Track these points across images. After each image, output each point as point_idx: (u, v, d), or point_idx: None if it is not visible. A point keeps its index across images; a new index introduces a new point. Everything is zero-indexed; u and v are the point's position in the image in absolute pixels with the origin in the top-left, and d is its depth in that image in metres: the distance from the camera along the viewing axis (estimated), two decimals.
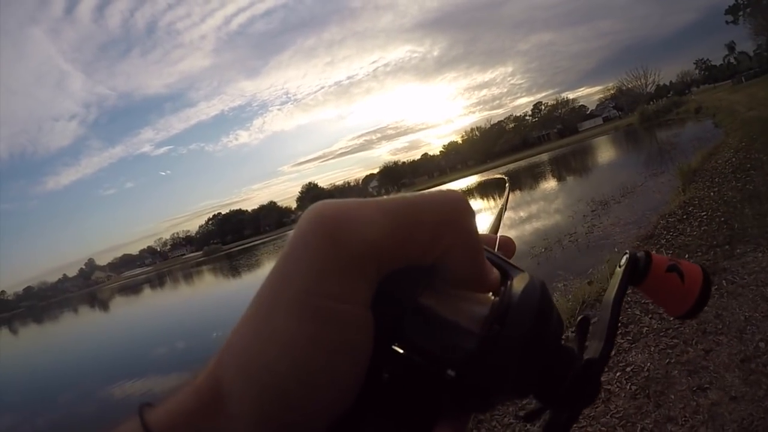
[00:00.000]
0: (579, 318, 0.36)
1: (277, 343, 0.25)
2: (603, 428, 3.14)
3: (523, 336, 0.28)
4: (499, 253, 0.36)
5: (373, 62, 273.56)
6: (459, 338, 0.29)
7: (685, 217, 7.48)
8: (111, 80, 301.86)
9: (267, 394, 0.25)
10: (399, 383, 0.29)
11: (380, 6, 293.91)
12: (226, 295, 24.92)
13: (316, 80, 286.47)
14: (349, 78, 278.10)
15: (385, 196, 0.28)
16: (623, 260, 0.39)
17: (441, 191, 0.29)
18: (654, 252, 0.40)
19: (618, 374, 3.70)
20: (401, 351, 0.29)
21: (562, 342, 0.32)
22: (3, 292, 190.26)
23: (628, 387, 3.49)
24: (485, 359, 0.28)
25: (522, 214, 16.11)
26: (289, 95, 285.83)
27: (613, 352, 0.34)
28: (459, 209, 0.29)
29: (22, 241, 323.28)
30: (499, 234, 0.43)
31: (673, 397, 3.17)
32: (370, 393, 0.28)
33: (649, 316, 4.47)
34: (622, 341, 4.18)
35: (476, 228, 0.29)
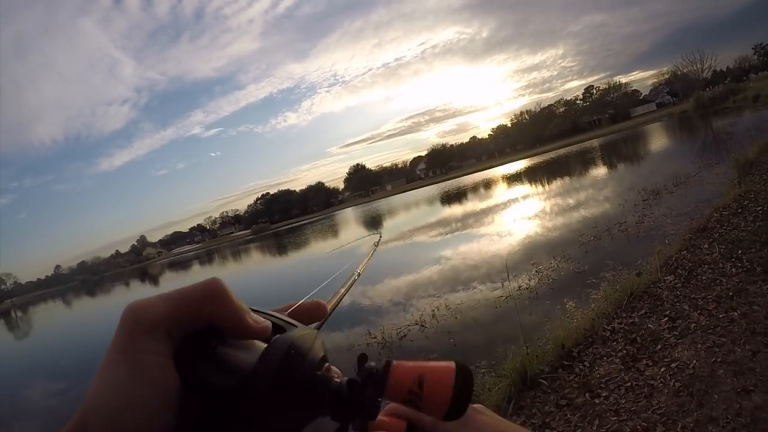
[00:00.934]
0: (359, 355, 0.45)
1: (108, 385, 0.37)
2: (644, 424, 3.15)
3: (271, 370, 0.39)
4: (304, 314, 0.50)
5: (421, 44, 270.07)
6: (230, 378, 0.40)
7: (739, 211, 7.29)
8: (161, 65, 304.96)
9: (108, 425, 0.36)
10: (207, 416, 0.39)
11: None
12: (272, 271, 25.43)
13: (363, 62, 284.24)
14: (396, 60, 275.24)
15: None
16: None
17: (204, 280, 0.43)
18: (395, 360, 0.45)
19: (663, 369, 3.68)
20: (202, 390, 0.40)
21: (319, 373, 0.42)
22: (58, 266, 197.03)
23: (671, 383, 3.47)
24: (243, 392, 0.38)
25: (571, 201, 15.90)
26: (336, 77, 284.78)
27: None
28: (213, 287, 0.42)
29: (77, 219, 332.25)
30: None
31: (716, 397, 3.16)
32: (187, 425, 0.38)
33: (698, 312, 4.41)
34: (669, 336, 4.15)
35: (228, 297, 0.42)
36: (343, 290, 0.67)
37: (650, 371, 3.74)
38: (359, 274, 0.75)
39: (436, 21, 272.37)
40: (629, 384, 3.67)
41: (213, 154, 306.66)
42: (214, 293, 0.42)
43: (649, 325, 4.46)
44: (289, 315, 0.49)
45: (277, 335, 0.43)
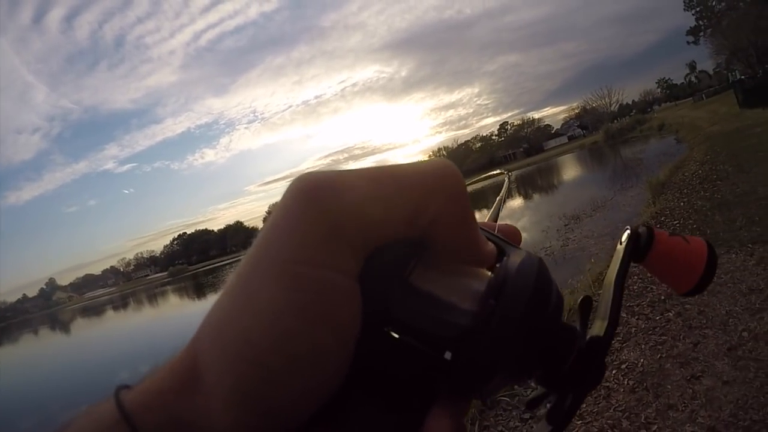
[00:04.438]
0: (581, 298, 0.35)
1: (257, 313, 0.24)
2: (608, 422, 3.25)
3: (520, 311, 0.27)
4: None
5: (341, 82, 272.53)
6: (452, 316, 0.27)
7: (658, 226, 7.65)
8: (76, 94, 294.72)
9: (246, 370, 0.23)
10: (392, 366, 0.27)
11: (349, 26, 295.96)
12: (192, 317, 24.55)
13: (284, 99, 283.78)
14: (316, 97, 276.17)
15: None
16: (624, 236, 0.38)
17: (431, 160, 0.28)
18: (657, 227, 0.38)
19: (614, 372, 3.83)
20: (393, 332, 0.27)
21: (563, 321, 0.31)
22: None
23: (625, 382, 3.62)
24: (480, 336, 0.26)
25: None
26: (256, 114, 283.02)
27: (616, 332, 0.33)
28: (446, 177, 0.27)
29: None
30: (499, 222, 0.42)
31: (669, 387, 3.32)
32: (361, 375, 0.27)
33: (636, 317, 4.62)
34: (613, 341, 4.31)
35: (466, 197, 0.28)
36: (494, 210, 0.50)
37: None
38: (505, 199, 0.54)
39: (357, 60, 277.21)
40: None
41: (127, 191, 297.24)
42: (448, 185, 0.27)
43: None
44: None
45: (504, 259, 0.30)
